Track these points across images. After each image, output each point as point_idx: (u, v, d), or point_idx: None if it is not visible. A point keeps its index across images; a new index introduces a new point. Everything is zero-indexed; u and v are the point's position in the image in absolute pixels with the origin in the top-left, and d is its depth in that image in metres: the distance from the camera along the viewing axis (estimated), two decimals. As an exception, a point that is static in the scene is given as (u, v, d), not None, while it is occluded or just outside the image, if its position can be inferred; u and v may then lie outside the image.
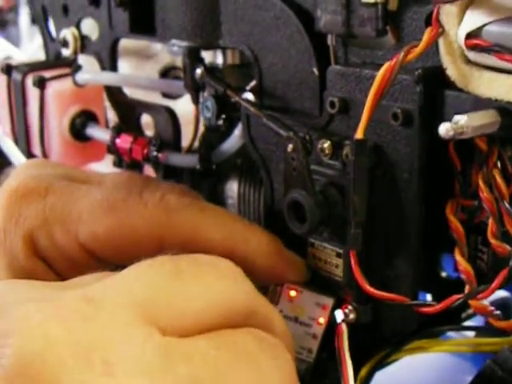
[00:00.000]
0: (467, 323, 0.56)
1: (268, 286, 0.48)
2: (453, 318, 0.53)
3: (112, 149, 0.60)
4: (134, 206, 0.46)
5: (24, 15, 2.01)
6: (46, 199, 0.46)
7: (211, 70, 0.52)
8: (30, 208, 0.46)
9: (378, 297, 0.42)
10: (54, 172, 0.50)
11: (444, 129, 0.37)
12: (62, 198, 0.46)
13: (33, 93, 0.63)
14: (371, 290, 0.42)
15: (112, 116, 0.65)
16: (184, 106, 0.61)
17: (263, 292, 0.48)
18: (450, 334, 0.53)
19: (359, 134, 0.40)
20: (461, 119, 0.37)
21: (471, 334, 0.56)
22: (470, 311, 0.54)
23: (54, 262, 0.45)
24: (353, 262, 0.42)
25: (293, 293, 0.47)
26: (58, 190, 0.47)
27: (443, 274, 0.54)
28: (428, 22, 0.41)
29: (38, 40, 0.75)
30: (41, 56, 0.70)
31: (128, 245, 0.45)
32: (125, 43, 0.63)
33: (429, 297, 0.52)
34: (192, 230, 0.46)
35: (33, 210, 0.46)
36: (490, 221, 0.42)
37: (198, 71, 0.52)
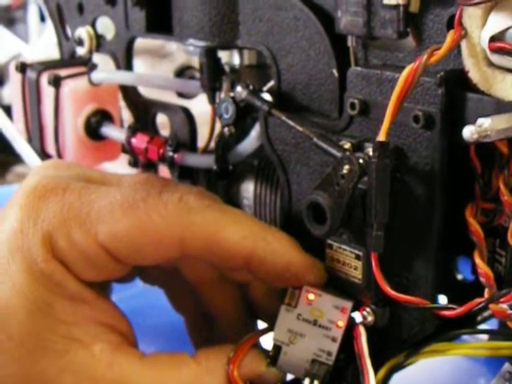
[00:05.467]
0: (481, 327, 0.56)
1: (287, 288, 0.48)
2: (467, 322, 0.53)
3: (127, 148, 0.60)
4: (154, 205, 0.46)
5: (32, 13, 2.01)
6: (63, 200, 0.46)
7: (256, 91, 0.50)
8: (48, 209, 0.46)
9: (399, 299, 0.42)
10: (72, 173, 0.50)
11: (468, 132, 0.37)
12: (80, 199, 0.46)
13: (48, 91, 0.63)
14: (392, 292, 0.42)
15: (127, 116, 0.65)
16: (199, 106, 0.61)
17: (282, 295, 0.48)
18: (464, 337, 0.53)
19: (381, 137, 0.40)
20: (485, 122, 0.37)
21: (485, 337, 0.55)
22: (485, 314, 0.54)
23: (72, 264, 0.45)
24: (374, 264, 0.42)
25: (311, 296, 0.47)
26: (75, 190, 0.47)
27: (459, 277, 0.54)
28: (450, 25, 0.41)
29: (47, 37, 0.75)
30: (50, 53, 0.70)
31: (148, 244, 0.45)
32: (140, 42, 0.63)
33: (443, 299, 0.52)
34: (212, 230, 0.46)
35: (51, 211, 0.46)
36: (511, 224, 0.42)
37: (242, 92, 0.50)
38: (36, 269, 0.45)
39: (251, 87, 0.50)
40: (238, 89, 0.50)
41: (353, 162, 0.42)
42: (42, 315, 0.45)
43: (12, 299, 0.44)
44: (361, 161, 0.42)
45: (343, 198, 0.42)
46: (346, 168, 0.42)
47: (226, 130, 0.52)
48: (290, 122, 0.47)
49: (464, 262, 0.50)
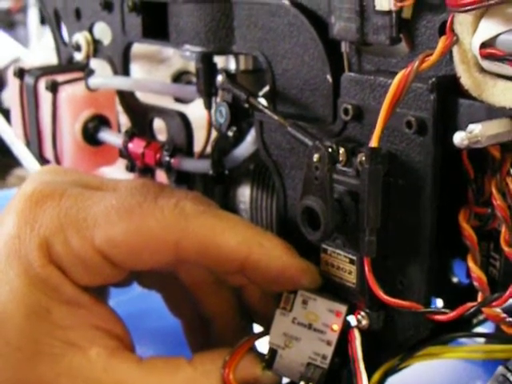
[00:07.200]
0: (477, 329, 0.56)
1: (282, 292, 0.48)
2: (463, 324, 0.53)
3: (124, 153, 0.60)
4: (150, 210, 0.46)
5: (33, 16, 2.01)
6: (60, 205, 0.47)
7: (233, 76, 0.52)
8: (45, 214, 0.46)
9: (391, 304, 0.42)
10: (69, 178, 0.50)
11: (459, 138, 0.37)
12: (76, 204, 0.46)
13: (45, 97, 0.63)
14: (385, 297, 0.42)
15: (124, 120, 0.65)
16: (196, 111, 0.61)
17: (277, 299, 0.48)
18: (460, 339, 0.53)
19: (374, 143, 0.40)
20: (475, 128, 0.37)
21: (481, 340, 0.56)
22: (481, 318, 0.55)
23: (69, 269, 0.46)
24: (367, 268, 0.42)
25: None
26: (72, 196, 0.47)
27: (454, 280, 0.54)
28: (442, 31, 0.41)
29: (45, 40, 0.75)
30: (49, 57, 0.70)
31: (144, 249, 0.46)
32: (137, 48, 0.63)
33: (439, 302, 0.52)
34: (208, 235, 0.46)
35: (48, 217, 0.46)
36: (503, 228, 0.42)
37: (220, 78, 0.52)
38: (33, 274, 0.45)
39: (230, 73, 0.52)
40: (219, 77, 0.52)
41: (320, 148, 0.42)
42: (39, 320, 0.45)
43: (9, 304, 0.45)
44: (330, 149, 0.43)
45: (326, 191, 0.42)
46: (316, 157, 0.43)
47: (229, 132, 0.52)
48: (267, 112, 0.48)
49: (459, 265, 0.50)
